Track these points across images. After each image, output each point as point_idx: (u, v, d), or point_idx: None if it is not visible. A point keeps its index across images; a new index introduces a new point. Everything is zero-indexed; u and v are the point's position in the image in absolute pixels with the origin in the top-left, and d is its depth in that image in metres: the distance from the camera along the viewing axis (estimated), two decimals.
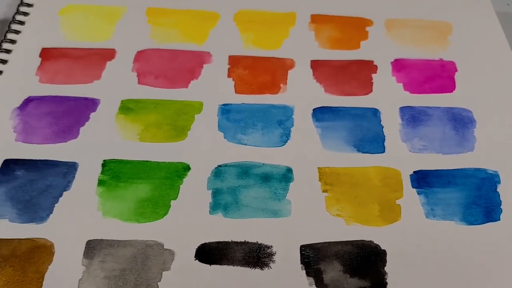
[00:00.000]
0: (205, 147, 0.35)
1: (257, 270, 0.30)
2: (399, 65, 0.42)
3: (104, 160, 0.34)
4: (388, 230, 0.32)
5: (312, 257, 0.31)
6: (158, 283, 0.29)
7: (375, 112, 0.38)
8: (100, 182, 0.33)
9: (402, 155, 0.36)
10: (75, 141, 0.35)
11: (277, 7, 0.45)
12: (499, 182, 0.35)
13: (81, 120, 0.37)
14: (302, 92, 0.39)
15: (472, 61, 0.42)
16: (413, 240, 0.32)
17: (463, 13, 0.46)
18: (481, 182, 0.34)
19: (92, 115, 0.37)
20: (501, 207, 0.33)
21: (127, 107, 0.38)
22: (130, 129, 0.36)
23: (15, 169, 0.34)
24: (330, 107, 0.38)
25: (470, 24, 0.45)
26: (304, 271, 0.30)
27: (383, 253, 0.31)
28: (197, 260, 0.30)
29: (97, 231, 0.31)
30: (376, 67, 0.41)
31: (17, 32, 0.42)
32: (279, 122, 0.37)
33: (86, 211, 0.32)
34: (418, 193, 0.34)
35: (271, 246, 0.31)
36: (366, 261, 0.31)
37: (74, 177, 0.33)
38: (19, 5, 0.44)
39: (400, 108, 0.39)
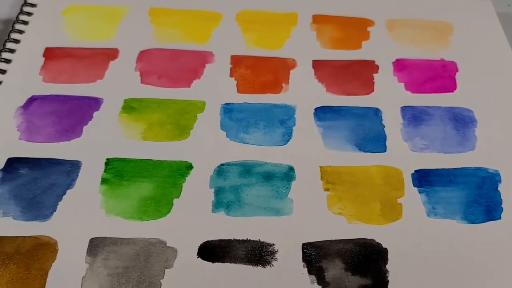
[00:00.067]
0: (208, 146, 0.36)
1: (259, 268, 0.30)
2: (400, 65, 0.42)
3: (107, 159, 0.35)
4: (390, 229, 0.32)
5: (314, 255, 0.31)
6: (161, 280, 0.29)
7: (376, 112, 0.38)
8: (103, 181, 0.33)
9: (403, 154, 0.36)
10: (79, 139, 0.36)
11: (279, 7, 0.46)
12: (499, 181, 0.35)
13: (84, 119, 0.37)
14: (304, 92, 0.39)
15: (473, 61, 0.42)
16: (414, 239, 0.32)
17: (464, 14, 0.46)
18: (482, 181, 0.35)
19: (95, 114, 0.37)
20: (501, 206, 0.33)
21: (130, 106, 0.38)
22: (133, 128, 0.37)
23: (19, 168, 0.34)
24: (332, 107, 0.38)
25: (471, 24, 0.45)
26: (306, 269, 0.30)
27: (385, 251, 0.31)
28: (199, 258, 0.30)
29: (100, 229, 0.31)
30: (377, 67, 0.42)
31: (20, 32, 0.42)
32: (281, 121, 0.37)
33: (90, 209, 0.32)
34: (419, 192, 0.34)
35: (273, 244, 0.31)
36: (368, 259, 0.31)
37: (77, 175, 0.34)
38: (22, 5, 0.44)
39: (401, 107, 0.39)
